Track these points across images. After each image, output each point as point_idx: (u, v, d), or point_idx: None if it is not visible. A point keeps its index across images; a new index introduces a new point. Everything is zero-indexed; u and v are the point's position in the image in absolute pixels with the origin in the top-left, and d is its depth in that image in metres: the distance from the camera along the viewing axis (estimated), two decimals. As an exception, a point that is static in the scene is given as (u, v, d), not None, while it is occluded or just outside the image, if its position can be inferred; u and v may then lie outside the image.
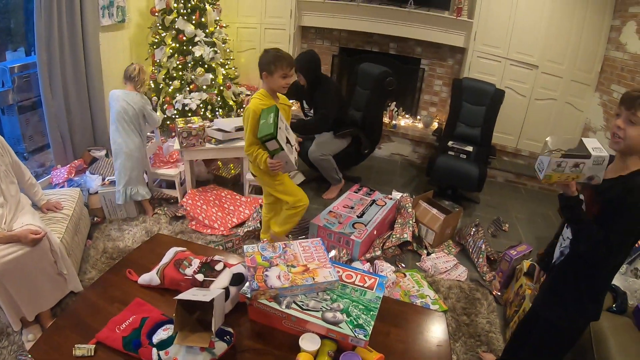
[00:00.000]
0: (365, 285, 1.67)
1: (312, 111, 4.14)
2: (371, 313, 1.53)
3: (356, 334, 1.43)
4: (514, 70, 5.33)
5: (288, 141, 2.62)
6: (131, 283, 1.76)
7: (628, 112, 1.59)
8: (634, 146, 1.61)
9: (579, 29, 4.98)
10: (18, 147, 4.32)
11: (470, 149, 4.51)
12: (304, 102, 4.20)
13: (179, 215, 3.69)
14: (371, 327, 1.47)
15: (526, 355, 2.16)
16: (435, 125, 5.67)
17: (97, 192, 3.57)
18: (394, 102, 5.75)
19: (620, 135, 1.62)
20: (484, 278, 3.42)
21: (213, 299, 1.38)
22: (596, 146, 1.55)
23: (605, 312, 2.51)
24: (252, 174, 3.04)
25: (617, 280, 2.71)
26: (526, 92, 5.38)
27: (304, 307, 1.51)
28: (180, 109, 4.67)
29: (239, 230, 3.57)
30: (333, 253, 3.12)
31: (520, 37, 5.15)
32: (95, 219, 3.50)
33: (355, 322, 1.48)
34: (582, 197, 1.74)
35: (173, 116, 4.72)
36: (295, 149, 2.75)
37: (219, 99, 4.99)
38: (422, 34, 5.41)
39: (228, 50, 5.34)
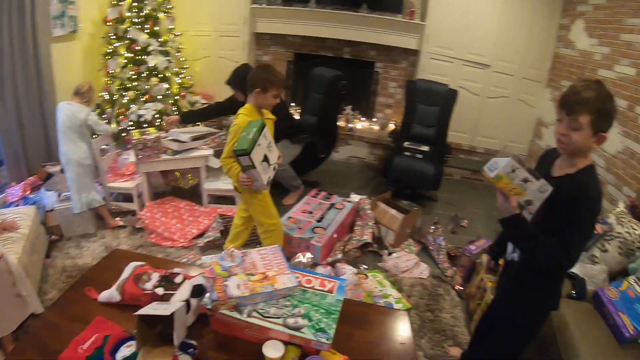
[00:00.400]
0: (326, 289, 1.68)
1: None
2: (332, 316, 1.54)
3: (318, 338, 1.45)
4: (466, 70, 5.51)
5: (266, 159, 2.56)
6: (91, 301, 1.73)
7: (569, 118, 1.60)
8: (579, 149, 1.65)
9: (529, 28, 5.20)
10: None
11: (425, 148, 4.62)
12: None
13: (138, 227, 3.64)
14: (333, 330, 1.49)
15: (489, 349, 2.21)
16: (391, 126, 5.78)
17: (53, 209, 3.50)
18: (350, 106, 5.84)
19: (565, 141, 1.65)
20: (445, 274, 3.52)
21: (173, 313, 1.38)
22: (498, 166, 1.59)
23: (565, 299, 2.61)
24: (235, 187, 3.00)
25: (575, 268, 2.81)
26: (479, 91, 5.56)
27: (265, 315, 1.52)
28: (135, 120, 4.60)
29: (199, 241, 3.55)
30: (298, 259, 3.14)
31: (471, 38, 5.33)
32: (52, 237, 3.42)
33: (317, 327, 1.49)
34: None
35: (128, 128, 4.63)
36: (274, 168, 2.70)
37: (174, 108, 4.94)
38: (376, 37, 5.53)
39: (182, 59, 5.30)
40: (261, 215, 2.93)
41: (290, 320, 1.51)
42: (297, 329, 1.48)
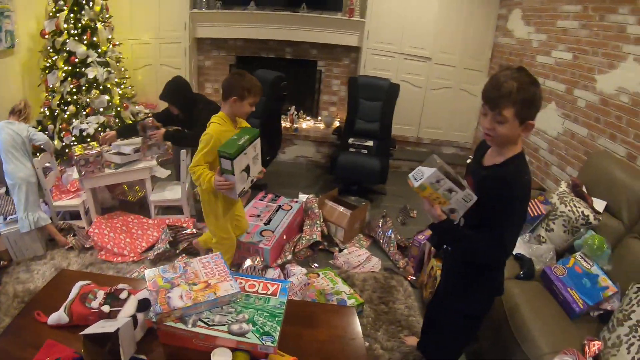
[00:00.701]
0: (269, 292, 1.72)
1: None
2: (277, 319, 1.58)
3: (263, 342, 1.48)
4: (408, 64, 5.65)
5: (247, 169, 2.53)
6: (41, 325, 1.72)
7: (493, 112, 1.60)
8: (507, 140, 1.66)
9: (468, 20, 5.38)
10: None
11: (370, 143, 4.73)
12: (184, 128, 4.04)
13: (88, 246, 3.58)
14: (278, 333, 1.52)
15: (438, 337, 2.27)
16: (336, 124, 5.87)
17: (0, 234, 3.43)
18: (294, 106, 5.90)
19: (491, 134, 1.65)
20: (397, 266, 3.59)
21: (118, 329, 1.42)
22: (424, 176, 1.60)
23: (514, 280, 2.67)
24: (196, 194, 2.94)
25: (521, 249, 2.90)
26: (422, 84, 5.72)
27: (209, 323, 1.54)
28: (78, 135, 4.53)
29: (149, 254, 3.52)
30: (248, 263, 3.18)
31: (412, 32, 5.47)
32: (1, 263, 3.34)
33: (261, 330, 1.52)
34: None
35: (71, 143, 4.56)
36: (251, 181, 2.67)
37: (117, 120, 4.88)
38: (317, 36, 5.60)
39: (123, 69, 5.24)
40: (214, 227, 2.94)
41: (235, 327, 1.53)
42: (242, 334, 1.51)
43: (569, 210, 2.90)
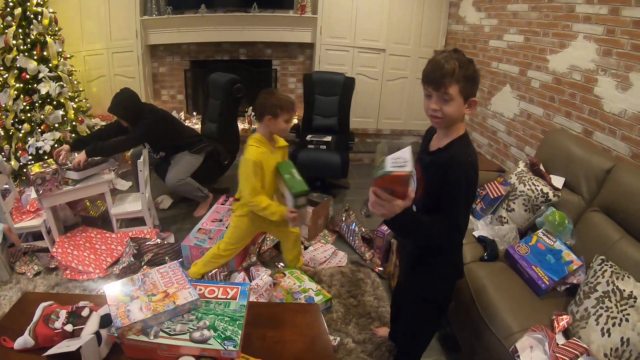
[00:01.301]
0: (229, 297, 1.73)
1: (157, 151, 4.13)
2: (237, 322, 1.59)
3: (226, 347, 1.49)
4: (363, 57, 5.75)
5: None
6: (8, 351, 1.70)
7: (438, 92, 1.65)
8: (455, 119, 1.72)
9: (419, 9, 5.53)
10: None
11: (329, 139, 4.78)
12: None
13: (53, 267, 3.52)
14: (239, 337, 1.53)
15: (405, 325, 2.31)
16: (294, 121, 5.90)
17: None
18: (251, 107, 5.91)
19: (439, 115, 1.69)
20: (363, 258, 3.64)
21: (80, 347, 1.43)
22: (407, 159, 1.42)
23: (479, 263, 2.74)
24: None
25: (483, 231, 2.97)
26: (377, 75, 5.82)
27: (171, 333, 1.55)
28: (34, 153, 4.47)
29: (115, 269, 3.49)
30: (211, 274, 3.19)
31: (364, 25, 5.58)
32: (-35, 292, 3.30)
33: (223, 335, 1.53)
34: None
35: (28, 162, 4.49)
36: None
37: (73, 135, 4.81)
38: (270, 35, 5.66)
39: (76, 82, 5.15)
40: (230, 234, 2.99)
41: (196, 334, 1.54)
42: (204, 341, 1.52)
43: (528, 189, 2.98)
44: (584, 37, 3.36)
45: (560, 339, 2.11)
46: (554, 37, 3.68)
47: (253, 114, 5.88)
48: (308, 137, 4.85)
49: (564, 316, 2.21)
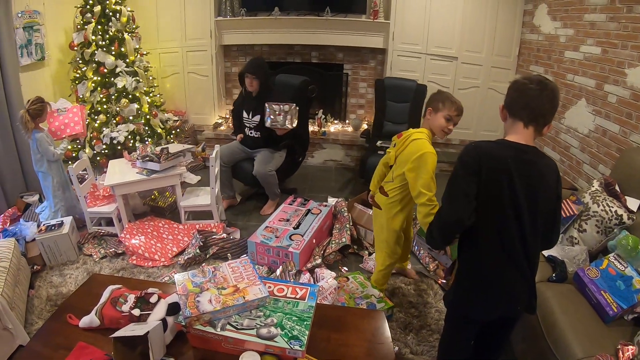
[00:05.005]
0: (298, 297, 1.71)
1: (253, 119, 4.20)
2: (305, 323, 1.57)
3: (292, 346, 1.47)
4: (434, 64, 5.59)
5: None
6: (73, 328, 1.75)
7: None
8: None
9: (493, 17, 5.29)
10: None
11: (398, 145, 4.66)
12: (246, 111, 4.25)
13: (119, 252, 3.64)
14: (306, 337, 1.51)
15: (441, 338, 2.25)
16: (364, 126, 5.84)
17: (34, 239, 3.51)
18: (321, 110, 5.90)
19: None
20: (427, 269, 3.53)
21: (147, 332, 1.43)
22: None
23: (547, 283, 2.60)
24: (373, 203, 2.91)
25: (553, 250, 2.81)
26: (449, 84, 5.64)
27: (238, 327, 1.54)
28: (108, 143, 4.62)
29: (180, 259, 3.57)
30: (279, 272, 3.20)
31: (437, 32, 5.42)
32: (34, 267, 3.41)
33: (290, 334, 1.52)
34: None
35: (102, 151, 4.67)
36: None
37: (146, 128, 4.97)
38: (342, 39, 5.58)
39: (151, 77, 5.32)
40: (384, 242, 2.88)
41: (263, 330, 1.53)
42: (271, 338, 1.51)
43: (601, 209, 2.79)
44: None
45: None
46: (633, 49, 3.41)
47: (323, 116, 5.87)
48: (378, 143, 4.74)
49: (630, 346, 2.06)
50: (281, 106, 3.95)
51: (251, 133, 4.29)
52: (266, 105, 3.95)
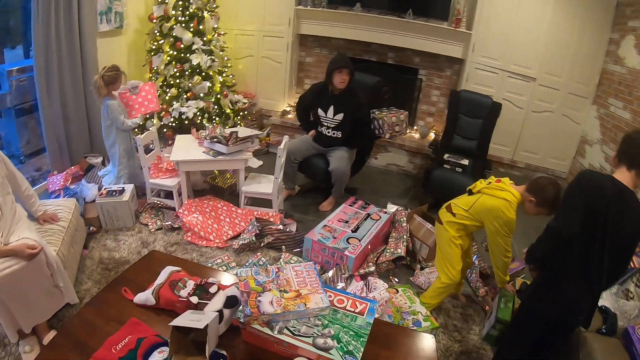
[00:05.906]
0: (356, 311, 1.68)
1: (335, 118, 4.13)
2: (361, 339, 1.54)
3: None
4: (511, 82, 5.38)
5: None
6: (127, 302, 1.76)
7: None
8: None
9: (577, 42, 5.03)
10: (15, 150, 4.35)
11: (466, 162, 4.52)
12: (323, 109, 4.17)
13: (176, 226, 3.69)
14: (361, 354, 1.48)
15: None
16: (432, 135, 5.69)
17: (93, 201, 3.59)
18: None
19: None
20: (476, 293, 3.42)
21: (207, 325, 1.40)
22: None
23: (595, 334, 2.53)
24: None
25: (607, 301, 2.75)
26: (523, 104, 5.42)
27: (295, 333, 1.53)
28: (177, 117, 4.68)
29: (234, 243, 3.56)
30: (331, 273, 3.16)
31: (518, 49, 5.20)
32: (91, 229, 3.49)
33: (345, 349, 1.49)
34: None
35: (170, 124, 4.73)
36: None
37: (215, 107, 4.99)
38: (421, 44, 5.44)
39: (225, 58, 5.34)
40: (446, 260, 2.93)
41: (320, 340, 1.51)
42: (326, 349, 1.49)
43: None
44: None
45: None
46: None
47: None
48: (446, 157, 4.60)
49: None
50: (398, 115, 3.99)
51: (329, 132, 4.22)
52: (376, 116, 4.00)
